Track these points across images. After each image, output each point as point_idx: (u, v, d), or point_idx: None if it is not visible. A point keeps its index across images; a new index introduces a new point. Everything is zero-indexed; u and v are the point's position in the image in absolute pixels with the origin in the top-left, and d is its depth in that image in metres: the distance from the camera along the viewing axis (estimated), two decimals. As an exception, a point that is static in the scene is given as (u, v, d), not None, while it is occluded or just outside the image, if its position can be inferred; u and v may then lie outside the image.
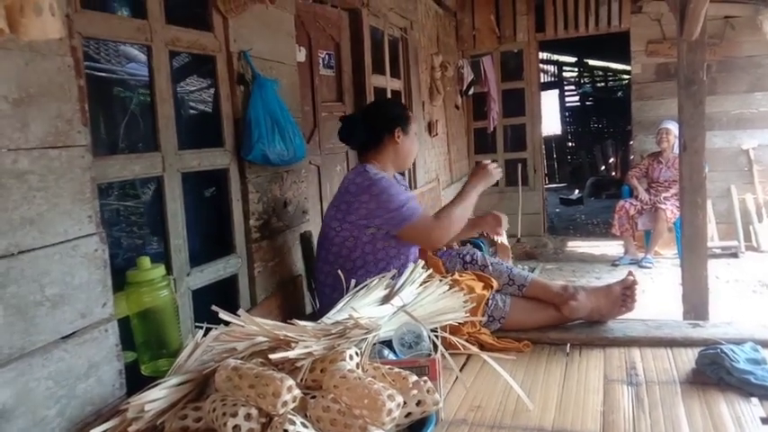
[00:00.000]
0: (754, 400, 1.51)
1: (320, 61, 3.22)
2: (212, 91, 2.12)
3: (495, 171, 2.29)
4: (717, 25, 5.85)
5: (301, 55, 2.93)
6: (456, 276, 2.12)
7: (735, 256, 5.68)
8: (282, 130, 2.09)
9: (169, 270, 1.79)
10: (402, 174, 2.72)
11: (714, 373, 1.62)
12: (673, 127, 5.59)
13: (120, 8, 2.11)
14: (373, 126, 2.28)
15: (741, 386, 1.55)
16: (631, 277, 2.12)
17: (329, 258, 2.17)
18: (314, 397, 1.28)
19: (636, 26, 6.24)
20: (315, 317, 1.99)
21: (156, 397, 1.31)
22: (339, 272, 1.97)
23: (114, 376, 1.50)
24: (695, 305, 2.99)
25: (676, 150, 5.58)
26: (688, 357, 1.79)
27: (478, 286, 2.10)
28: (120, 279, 1.60)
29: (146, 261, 1.61)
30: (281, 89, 2.23)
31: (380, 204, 2.07)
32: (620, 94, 12.43)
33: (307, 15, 3.05)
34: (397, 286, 1.91)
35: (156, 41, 1.77)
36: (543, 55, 11.05)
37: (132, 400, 1.28)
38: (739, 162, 6.11)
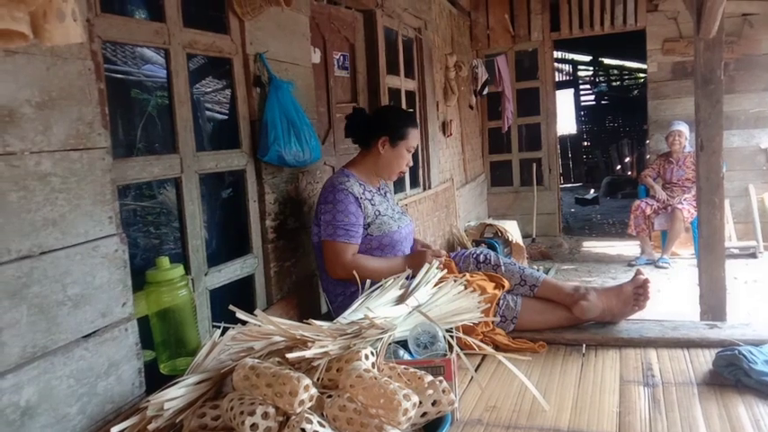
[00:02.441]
0: (773, 402, 1.50)
1: (335, 62, 3.23)
2: (228, 93, 2.14)
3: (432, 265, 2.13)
4: (735, 23, 5.78)
5: (316, 56, 2.94)
6: (467, 276, 2.12)
7: (753, 256, 5.61)
8: (298, 132, 2.11)
9: (187, 270, 1.81)
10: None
11: (732, 374, 1.61)
12: (684, 129, 5.54)
13: (138, 11, 2.14)
14: (367, 126, 2.32)
15: (759, 388, 1.54)
16: (641, 276, 2.11)
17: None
18: (330, 396, 1.29)
19: (652, 24, 6.18)
20: (329, 317, 2.01)
21: (174, 395, 1.32)
22: (355, 273, 1.98)
23: (134, 375, 1.52)
24: (712, 306, 2.96)
25: (687, 149, 5.55)
26: (705, 358, 1.78)
27: (490, 286, 2.11)
28: (140, 279, 1.63)
29: (165, 261, 1.63)
30: (297, 91, 2.25)
31: (326, 210, 2.15)
32: (635, 92, 12.36)
33: (321, 17, 3.06)
34: (412, 287, 1.92)
35: (174, 44, 1.79)
36: (558, 54, 10.99)
37: (152, 399, 1.30)
38: (758, 161, 6.04)
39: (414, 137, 2.33)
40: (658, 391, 1.61)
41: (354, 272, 2.00)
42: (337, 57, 3.26)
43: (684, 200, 5.44)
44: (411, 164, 2.40)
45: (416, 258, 2.22)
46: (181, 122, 1.81)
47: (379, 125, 2.30)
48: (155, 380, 1.55)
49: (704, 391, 1.59)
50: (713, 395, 1.56)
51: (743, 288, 4.72)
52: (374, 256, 2.20)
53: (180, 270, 1.65)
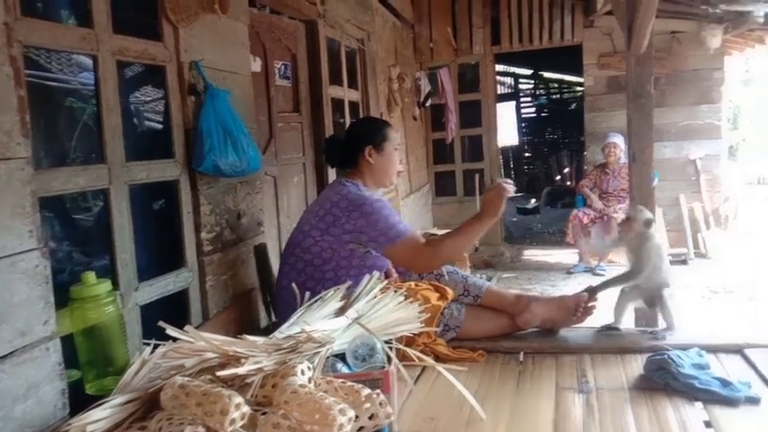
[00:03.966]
0: (698, 404, 1.55)
1: (276, 72, 3.20)
2: (162, 101, 2.08)
3: (504, 190, 2.04)
4: (664, 40, 6.05)
5: (256, 65, 2.91)
6: (412, 285, 2.12)
7: (684, 263, 5.86)
8: (235, 141, 2.06)
9: (116, 285, 1.74)
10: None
11: (661, 378, 1.66)
12: (619, 140, 5.75)
13: (64, 16, 2.06)
14: (347, 145, 2.29)
15: (686, 390, 1.59)
16: (585, 294, 2.16)
17: (298, 266, 2.15)
18: (265, 413, 1.26)
19: (588, 40, 6.41)
20: (270, 331, 1.96)
21: (98, 417, 1.26)
22: (293, 285, 1.94)
23: (56, 396, 1.44)
24: (646, 312, 3.05)
25: (622, 160, 5.77)
26: (637, 364, 1.83)
27: (434, 296, 2.11)
28: (65, 295, 1.55)
29: (90, 276, 1.56)
30: (235, 99, 2.20)
31: (370, 222, 2.07)
32: (573, 105, 12.73)
33: (262, 26, 3.03)
34: (353, 298, 1.90)
35: (103, 51, 1.73)
36: (500, 67, 11.24)
37: (74, 421, 1.24)
38: (687, 172, 6.32)
39: (394, 135, 2.34)
40: (592, 397, 1.64)
41: (437, 255, 2.04)
42: (278, 66, 3.23)
43: (620, 209, 5.63)
44: (403, 161, 2.39)
45: (490, 200, 2.05)
46: (109, 131, 1.74)
47: (357, 139, 2.27)
48: (80, 401, 1.48)
49: (635, 395, 1.64)
50: (644, 399, 1.61)
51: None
52: (446, 232, 2.13)
53: (107, 285, 1.58)
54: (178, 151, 2.03)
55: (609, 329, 2.10)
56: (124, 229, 1.78)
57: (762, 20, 5.25)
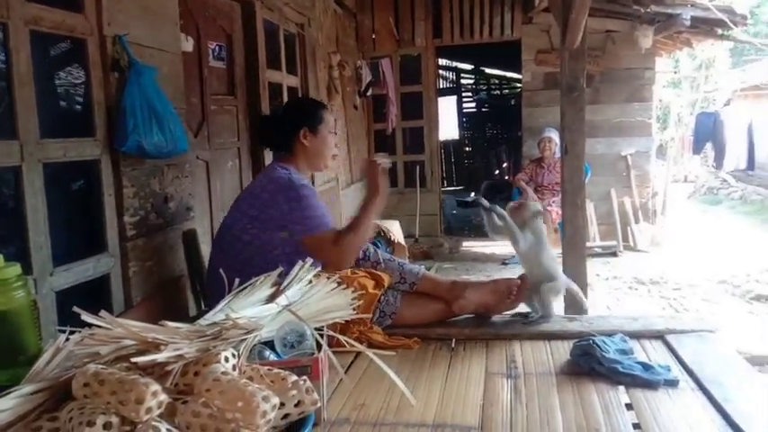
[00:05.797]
0: (621, 387, 1.59)
1: (210, 52, 3.09)
2: (83, 76, 1.96)
3: (376, 168, 2.18)
4: (599, 38, 6.23)
5: (188, 44, 2.80)
6: (348, 273, 2.09)
7: (614, 255, 6.08)
8: (161, 121, 1.97)
9: (29, 269, 1.64)
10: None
11: (586, 363, 1.69)
12: (554, 135, 5.90)
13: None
14: (281, 127, 2.23)
15: (610, 375, 1.63)
16: (518, 281, 2.18)
17: (232, 252, 2.08)
18: (185, 402, 1.20)
19: (527, 36, 6.52)
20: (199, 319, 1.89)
21: (2, 408, 1.18)
22: (221, 271, 1.87)
23: (-43, 388, 1.34)
24: (575, 300, 3.13)
25: (557, 155, 5.93)
26: (564, 349, 1.86)
27: (370, 284, 2.09)
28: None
29: (-3, 259, 1.46)
30: (162, 78, 2.11)
31: (292, 208, 2.03)
32: (513, 101, 12.96)
33: (195, 4, 2.92)
34: (284, 285, 1.85)
35: (14, 19, 1.61)
36: (443, 61, 11.32)
37: (-27, 413, 1.15)
38: (619, 167, 6.54)
39: (329, 117, 2.31)
40: (520, 382, 1.66)
41: (350, 248, 2.04)
42: (213, 46, 3.13)
43: (553, 202, 5.77)
44: (339, 145, 2.36)
45: (369, 183, 2.17)
46: (21, 105, 1.63)
47: (293, 121, 2.22)
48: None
49: (562, 380, 1.66)
50: (569, 384, 1.63)
51: (604, 284, 5.08)
52: (348, 223, 2.12)
53: (16, 269, 1.47)
54: (99, 130, 1.93)
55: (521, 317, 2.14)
56: (38, 210, 1.68)
57: (688, 22, 5.48)
